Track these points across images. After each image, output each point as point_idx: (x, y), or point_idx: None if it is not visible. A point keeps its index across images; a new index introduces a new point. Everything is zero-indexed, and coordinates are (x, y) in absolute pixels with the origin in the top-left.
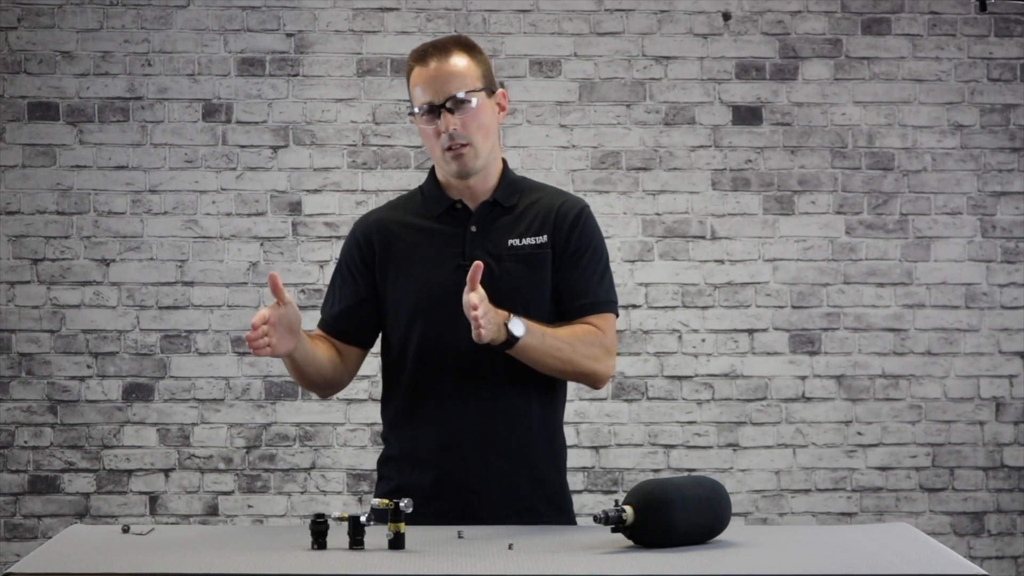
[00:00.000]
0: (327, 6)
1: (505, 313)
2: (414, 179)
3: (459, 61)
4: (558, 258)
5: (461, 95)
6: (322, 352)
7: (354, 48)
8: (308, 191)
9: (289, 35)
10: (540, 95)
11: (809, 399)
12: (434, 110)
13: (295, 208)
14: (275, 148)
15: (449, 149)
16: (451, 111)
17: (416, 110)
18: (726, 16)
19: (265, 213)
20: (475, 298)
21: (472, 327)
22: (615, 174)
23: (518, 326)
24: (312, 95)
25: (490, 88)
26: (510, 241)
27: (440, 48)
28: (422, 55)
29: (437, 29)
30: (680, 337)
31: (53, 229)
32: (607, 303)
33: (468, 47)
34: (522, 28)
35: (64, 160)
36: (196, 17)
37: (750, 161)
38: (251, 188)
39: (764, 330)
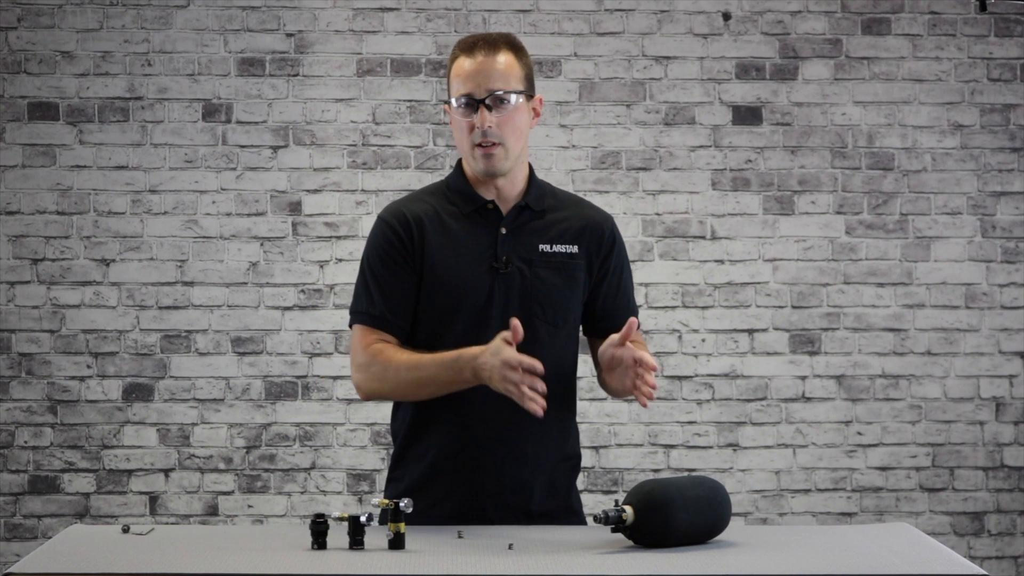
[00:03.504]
0: (327, 6)
1: None
2: (414, 179)
3: (505, 59)
4: (595, 275)
5: (502, 93)
6: None
7: (354, 48)
8: (308, 191)
9: (289, 35)
10: (540, 95)
11: (809, 399)
12: (472, 104)
13: (295, 208)
14: (275, 148)
15: (480, 146)
16: (489, 108)
17: (453, 100)
18: (726, 16)
19: (265, 213)
20: (653, 361)
21: (644, 393)
22: (615, 174)
23: None
24: (312, 95)
25: (530, 92)
26: (541, 247)
27: (489, 43)
28: (470, 46)
29: (437, 29)
30: (680, 337)
31: (53, 229)
32: (636, 315)
33: (516, 47)
34: (522, 28)
35: (64, 160)
36: (196, 17)
37: (750, 161)
38: (251, 188)
39: (764, 330)
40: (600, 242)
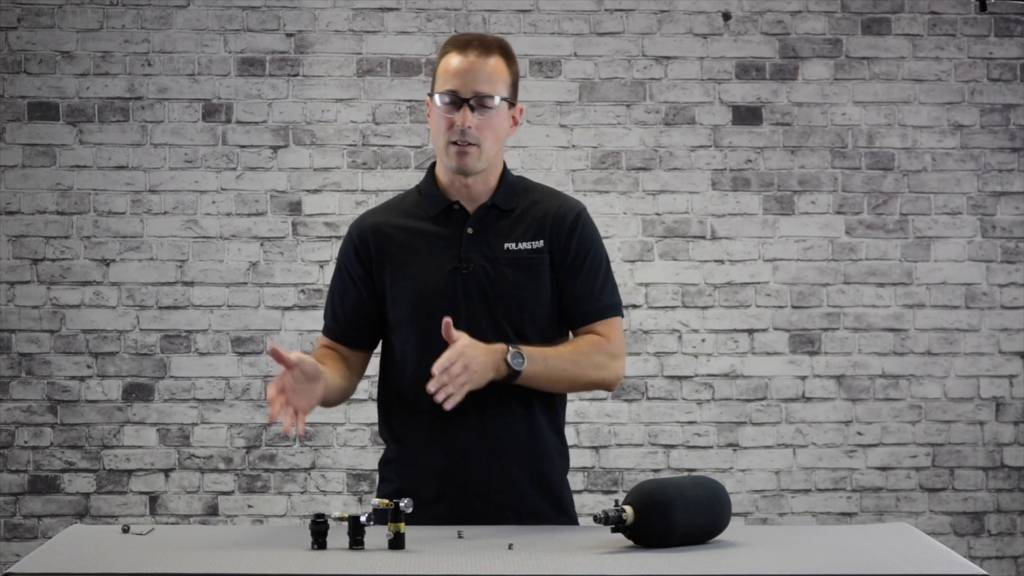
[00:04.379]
0: (327, 6)
1: (502, 347)
2: (414, 179)
3: (497, 63)
4: (558, 265)
5: (488, 96)
6: (333, 372)
7: (354, 48)
8: (308, 191)
9: (289, 35)
10: (540, 95)
11: (809, 399)
12: (456, 101)
13: (295, 208)
14: (275, 148)
15: (455, 144)
16: (472, 108)
17: (437, 96)
18: (726, 16)
19: (265, 213)
20: (443, 362)
21: (463, 382)
22: (615, 174)
23: (518, 358)
24: (312, 95)
25: (513, 99)
26: (506, 245)
27: (484, 44)
28: (465, 44)
29: (437, 29)
30: (680, 337)
31: (53, 229)
32: (611, 307)
33: (508, 54)
34: (522, 28)
35: (64, 160)
36: (196, 17)
37: (750, 161)
38: (251, 188)
39: (764, 330)
40: (561, 229)
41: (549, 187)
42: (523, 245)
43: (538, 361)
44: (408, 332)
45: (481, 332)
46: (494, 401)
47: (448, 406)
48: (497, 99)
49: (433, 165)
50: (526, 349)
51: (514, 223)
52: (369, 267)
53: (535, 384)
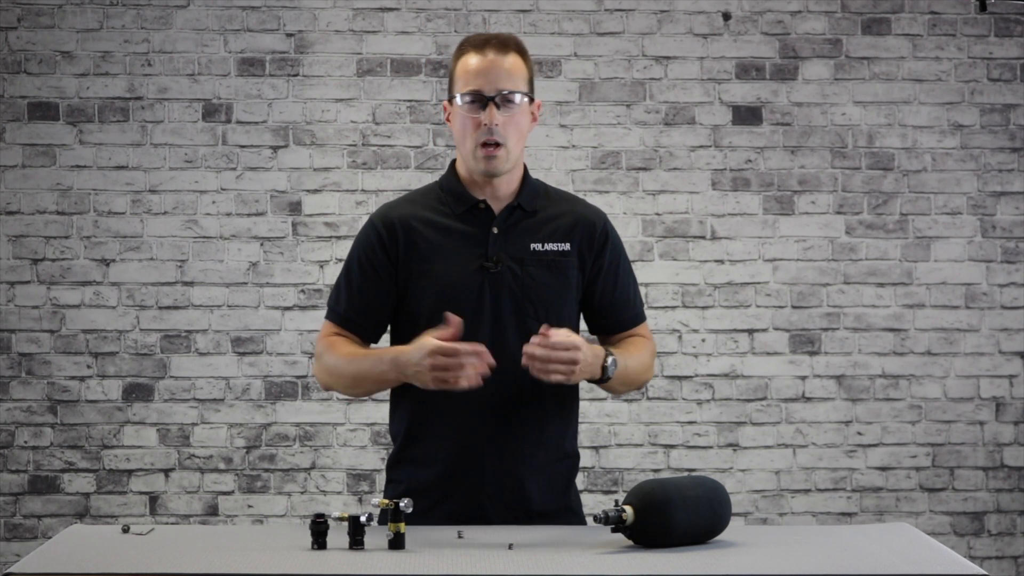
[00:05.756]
0: (327, 6)
1: (603, 352)
2: (414, 179)
3: (515, 60)
4: (589, 271)
5: (511, 93)
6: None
7: (354, 48)
8: (308, 191)
9: (289, 35)
10: (540, 95)
11: (809, 399)
12: (480, 100)
13: (295, 208)
14: (275, 148)
15: (484, 146)
16: (497, 106)
17: (458, 96)
18: (726, 16)
19: (265, 213)
20: (561, 340)
21: (562, 372)
22: (615, 174)
23: (614, 366)
24: (312, 95)
25: (531, 95)
26: (532, 245)
27: (501, 43)
28: (482, 44)
29: (437, 29)
30: (680, 337)
31: (53, 229)
32: (643, 311)
33: (523, 51)
34: (522, 28)
35: (64, 160)
36: (196, 17)
37: (750, 161)
38: (251, 188)
39: (764, 330)
40: (592, 238)
41: (565, 191)
42: (549, 246)
43: (622, 366)
44: (430, 328)
45: (505, 331)
46: (509, 401)
47: (554, 379)
48: (520, 95)
49: (454, 162)
50: (616, 353)
51: (539, 224)
52: (395, 259)
53: (610, 388)
